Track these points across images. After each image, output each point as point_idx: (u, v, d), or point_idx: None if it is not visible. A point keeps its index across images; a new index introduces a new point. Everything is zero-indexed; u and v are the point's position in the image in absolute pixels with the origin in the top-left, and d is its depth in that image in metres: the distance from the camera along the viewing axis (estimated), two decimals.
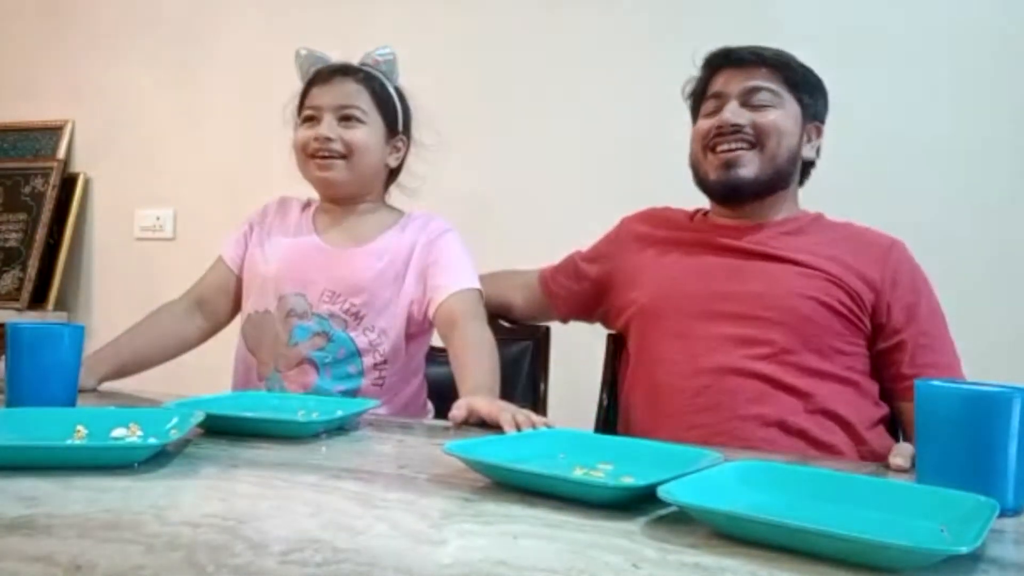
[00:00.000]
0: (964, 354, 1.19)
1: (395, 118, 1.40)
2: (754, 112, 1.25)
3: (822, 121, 1.33)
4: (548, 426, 0.97)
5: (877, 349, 1.20)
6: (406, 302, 1.34)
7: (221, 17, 2.63)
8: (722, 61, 1.30)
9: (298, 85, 1.44)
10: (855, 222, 1.31)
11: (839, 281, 1.18)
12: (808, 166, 1.35)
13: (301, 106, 1.40)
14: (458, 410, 1.04)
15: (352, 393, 1.32)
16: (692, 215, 1.39)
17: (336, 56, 1.44)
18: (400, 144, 1.42)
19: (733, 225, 1.30)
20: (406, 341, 1.36)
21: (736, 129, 1.24)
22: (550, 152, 2.19)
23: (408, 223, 1.40)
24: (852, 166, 1.88)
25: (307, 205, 1.46)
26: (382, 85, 1.39)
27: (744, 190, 1.26)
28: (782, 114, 1.26)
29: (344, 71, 1.38)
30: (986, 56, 1.82)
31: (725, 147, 1.25)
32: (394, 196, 1.49)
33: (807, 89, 1.29)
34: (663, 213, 1.42)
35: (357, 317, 1.33)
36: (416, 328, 1.37)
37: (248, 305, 1.41)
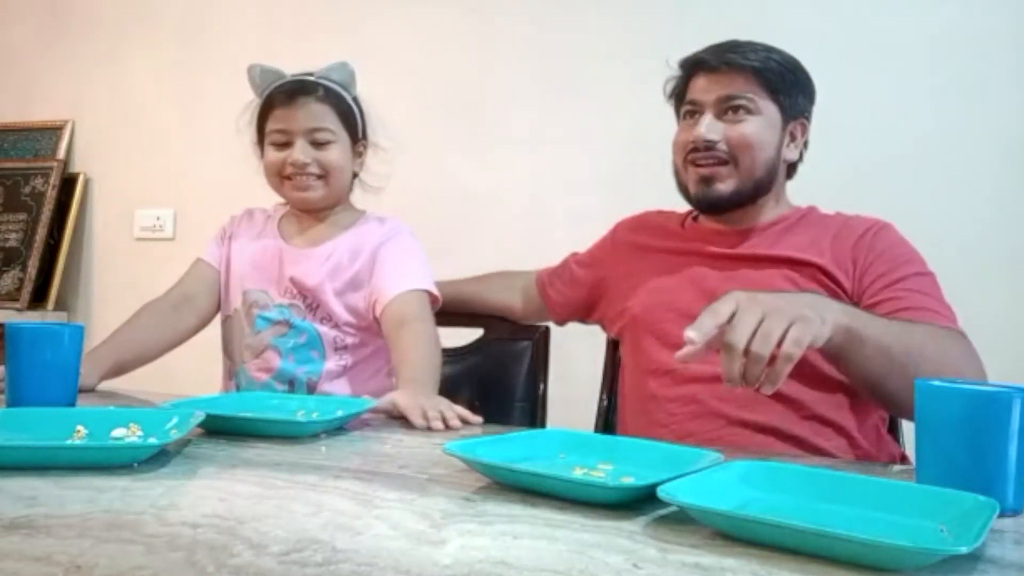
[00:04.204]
0: None
1: (356, 128, 1.43)
2: (729, 125, 1.22)
3: (807, 117, 1.29)
4: (465, 420, 1.05)
5: None
6: (364, 293, 1.38)
7: (221, 17, 2.63)
8: (698, 67, 1.26)
9: None
10: (845, 212, 1.28)
11: (827, 282, 1.17)
12: (794, 163, 1.31)
13: (262, 123, 1.41)
14: (382, 403, 1.10)
15: (317, 376, 1.37)
16: (684, 220, 1.37)
17: (292, 67, 1.41)
18: (361, 149, 1.45)
19: (722, 231, 1.29)
20: (372, 333, 1.40)
21: (709, 145, 1.22)
22: (548, 152, 2.20)
23: (363, 223, 1.44)
24: (849, 166, 1.88)
25: (274, 211, 1.50)
26: (342, 98, 1.41)
27: (722, 204, 1.25)
28: (758, 124, 1.22)
29: (305, 90, 1.37)
30: (984, 55, 1.82)
31: (702, 162, 1.24)
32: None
33: (786, 90, 1.24)
34: (655, 219, 1.40)
35: (312, 308, 1.38)
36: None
37: (223, 310, 1.47)
